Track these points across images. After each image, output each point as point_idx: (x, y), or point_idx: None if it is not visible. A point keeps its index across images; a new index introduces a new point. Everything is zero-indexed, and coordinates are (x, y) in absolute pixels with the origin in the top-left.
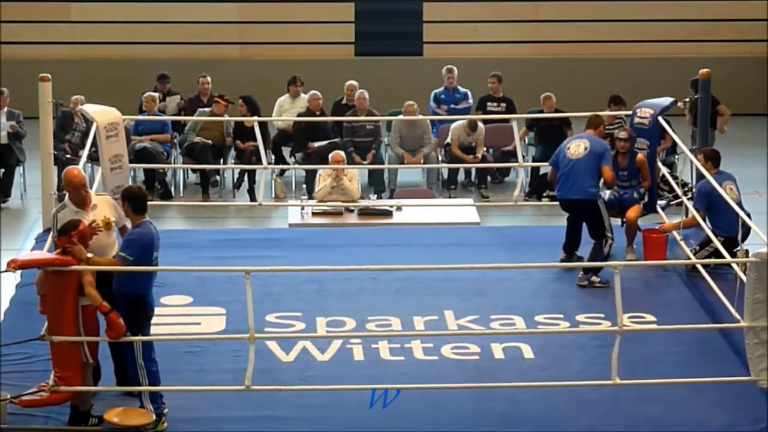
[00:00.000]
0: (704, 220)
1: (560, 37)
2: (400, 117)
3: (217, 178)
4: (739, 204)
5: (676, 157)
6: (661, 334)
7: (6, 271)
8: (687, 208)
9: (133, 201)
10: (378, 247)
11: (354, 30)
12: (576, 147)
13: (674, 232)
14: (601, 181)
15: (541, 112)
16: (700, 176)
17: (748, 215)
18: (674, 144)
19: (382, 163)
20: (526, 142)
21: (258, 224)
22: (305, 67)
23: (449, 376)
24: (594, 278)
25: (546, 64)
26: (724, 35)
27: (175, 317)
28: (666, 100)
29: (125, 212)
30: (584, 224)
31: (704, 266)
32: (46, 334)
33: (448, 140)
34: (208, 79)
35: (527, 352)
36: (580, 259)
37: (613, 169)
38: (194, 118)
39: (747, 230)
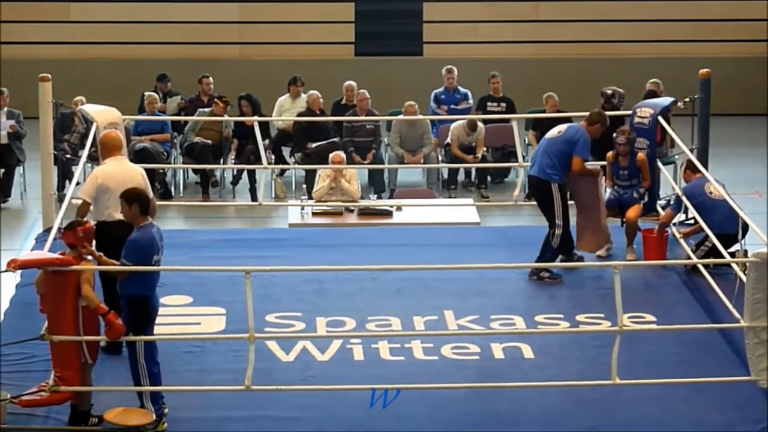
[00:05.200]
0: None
1: (560, 37)
2: (400, 117)
3: (216, 176)
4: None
5: (676, 156)
6: (660, 334)
7: (6, 271)
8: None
9: (143, 203)
10: (378, 247)
11: (354, 30)
12: (554, 130)
13: (674, 230)
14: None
15: (542, 111)
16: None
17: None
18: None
19: (382, 163)
20: (526, 142)
21: (258, 224)
22: (305, 67)
23: (449, 376)
24: (543, 273)
25: (546, 64)
26: (724, 35)
27: (175, 317)
28: (666, 100)
29: (133, 214)
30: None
31: (704, 266)
32: (46, 334)
33: (448, 140)
34: (211, 79)
35: (527, 352)
36: (580, 258)
37: (614, 169)
38: (194, 118)
39: (743, 226)
